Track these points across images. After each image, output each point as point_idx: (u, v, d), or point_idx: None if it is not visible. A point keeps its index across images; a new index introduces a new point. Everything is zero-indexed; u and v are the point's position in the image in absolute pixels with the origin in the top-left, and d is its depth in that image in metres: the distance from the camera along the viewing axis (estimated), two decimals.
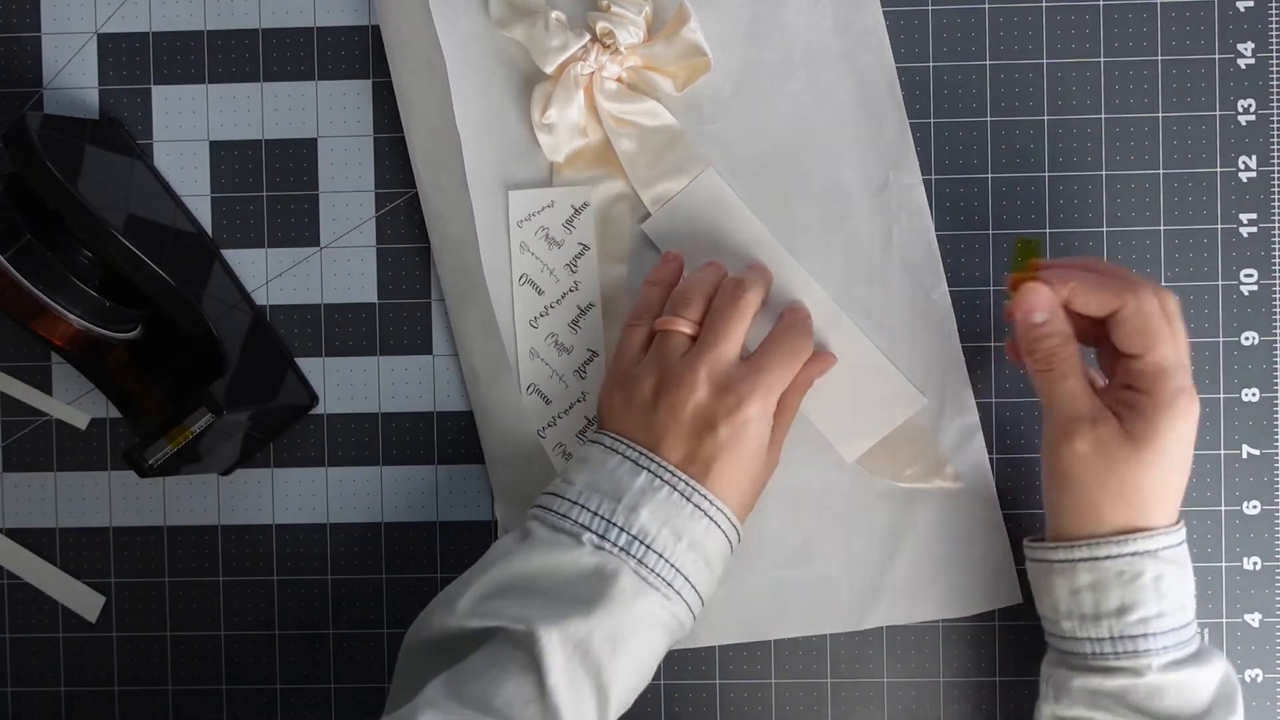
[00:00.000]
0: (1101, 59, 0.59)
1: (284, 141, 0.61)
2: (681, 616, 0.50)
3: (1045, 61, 0.59)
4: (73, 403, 0.61)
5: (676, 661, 0.60)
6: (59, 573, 0.61)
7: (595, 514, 0.50)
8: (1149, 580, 0.49)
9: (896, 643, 0.59)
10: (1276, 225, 0.59)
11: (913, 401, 0.58)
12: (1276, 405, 0.59)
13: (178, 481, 0.61)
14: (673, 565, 0.49)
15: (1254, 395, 0.59)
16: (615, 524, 0.49)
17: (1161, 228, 0.59)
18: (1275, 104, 0.59)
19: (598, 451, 0.52)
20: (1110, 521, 0.50)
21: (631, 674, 0.49)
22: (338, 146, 0.61)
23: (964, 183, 0.59)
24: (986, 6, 0.59)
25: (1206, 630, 0.59)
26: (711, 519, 0.51)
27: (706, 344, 0.52)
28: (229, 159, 0.61)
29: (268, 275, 0.61)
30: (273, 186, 0.61)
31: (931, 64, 0.59)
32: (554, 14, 0.57)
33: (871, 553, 0.59)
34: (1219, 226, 0.59)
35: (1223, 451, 0.59)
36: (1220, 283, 0.59)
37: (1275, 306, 0.59)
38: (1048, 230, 0.59)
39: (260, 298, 0.61)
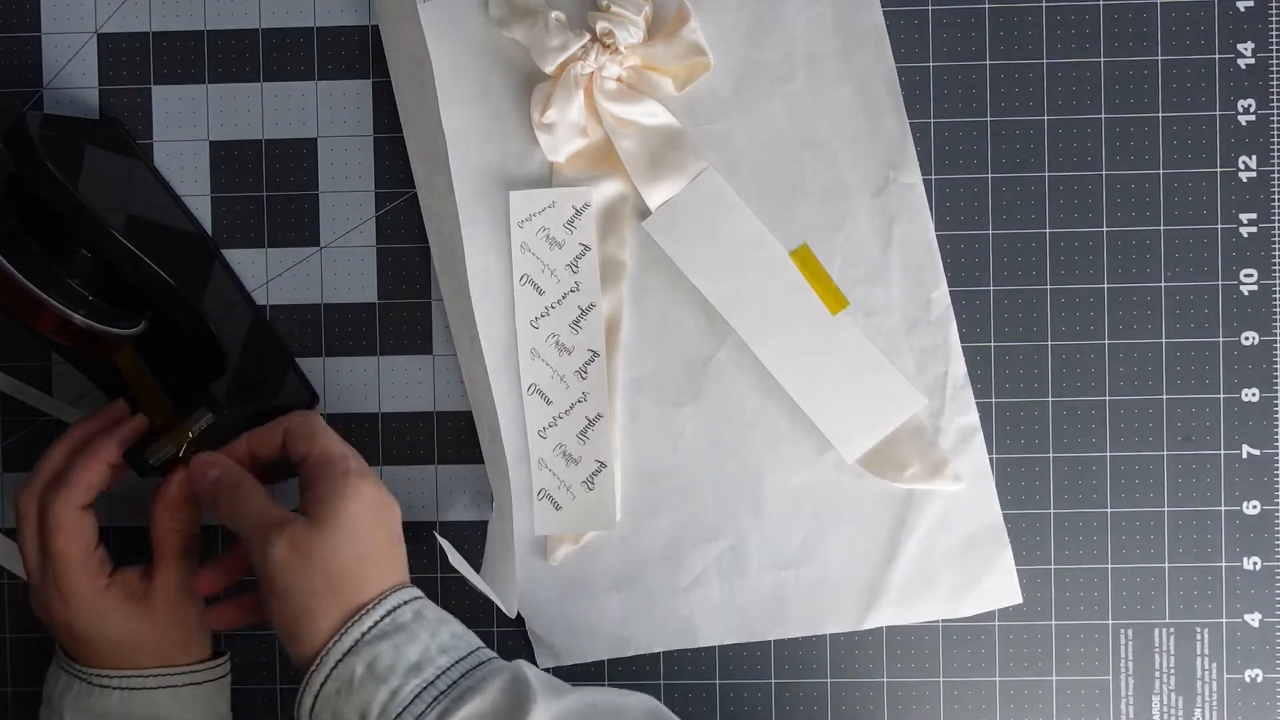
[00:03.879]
0: (1101, 59, 0.59)
1: (284, 141, 0.61)
2: None
3: (1045, 61, 0.59)
4: (73, 403, 0.61)
5: (676, 661, 0.60)
6: None
7: None
8: (363, 674, 0.46)
9: (896, 643, 0.59)
10: (1276, 225, 0.59)
11: (913, 401, 0.58)
12: (1276, 405, 0.59)
13: None
14: None
15: (1254, 395, 0.59)
16: None
17: (1161, 228, 0.59)
18: (1275, 104, 0.59)
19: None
20: (325, 627, 0.47)
21: None
22: (338, 146, 0.61)
23: (964, 183, 0.59)
24: (986, 6, 0.59)
25: (1206, 630, 0.59)
26: (91, 683, 0.53)
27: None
28: (229, 159, 0.61)
29: (268, 275, 0.61)
30: (273, 186, 0.61)
31: (931, 64, 0.59)
32: (554, 14, 0.57)
33: (871, 553, 0.59)
34: (1219, 226, 0.59)
35: (1223, 451, 0.59)
36: (1220, 283, 0.59)
37: (1275, 306, 0.59)
38: (1048, 230, 0.59)
39: (260, 298, 0.61)
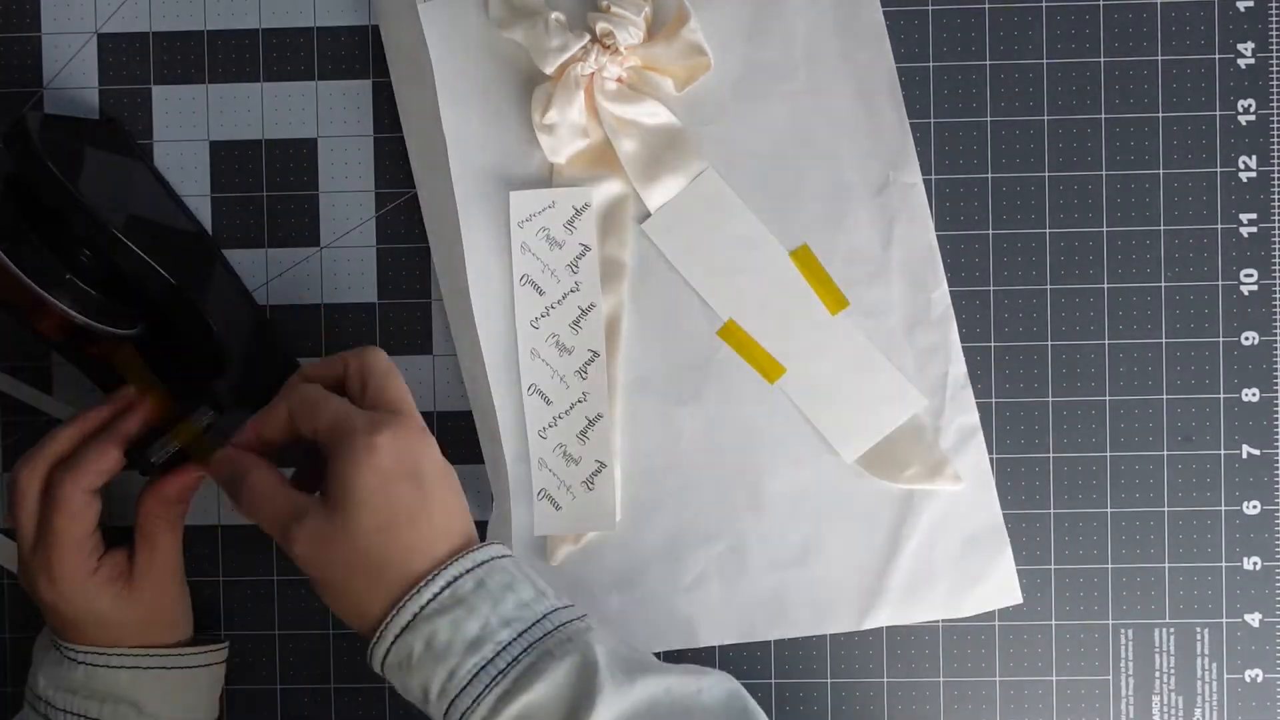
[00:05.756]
0: (1101, 59, 0.59)
1: (284, 141, 0.61)
2: None
3: (1045, 61, 0.59)
4: (73, 403, 0.61)
5: (677, 661, 0.60)
6: None
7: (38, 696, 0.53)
8: (421, 652, 0.44)
9: (896, 643, 0.59)
10: (1276, 225, 0.59)
11: (913, 402, 0.58)
12: (1276, 405, 0.59)
13: None
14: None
15: (1254, 395, 0.59)
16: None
17: (1161, 228, 0.59)
18: (1275, 104, 0.59)
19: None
20: (373, 611, 0.46)
21: None
22: (338, 146, 0.61)
23: (964, 183, 0.59)
24: (986, 6, 0.59)
25: (1206, 630, 0.59)
26: (62, 652, 0.53)
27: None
28: (229, 159, 0.61)
29: (268, 275, 0.61)
30: (273, 186, 0.61)
31: (931, 64, 0.59)
32: (554, 15, 0.57)
33: (871, 553, 0.59)
34: (1219, 226, 0.59)
35: (1223, 451, 0.59)
36: (1220, 283, 0.59)
37: (1275, 306, 0.59)
38: (1047, 230, 0.59)
39: (260, 298, 0.61)
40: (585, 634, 0.46)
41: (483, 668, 0.44)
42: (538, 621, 0.45)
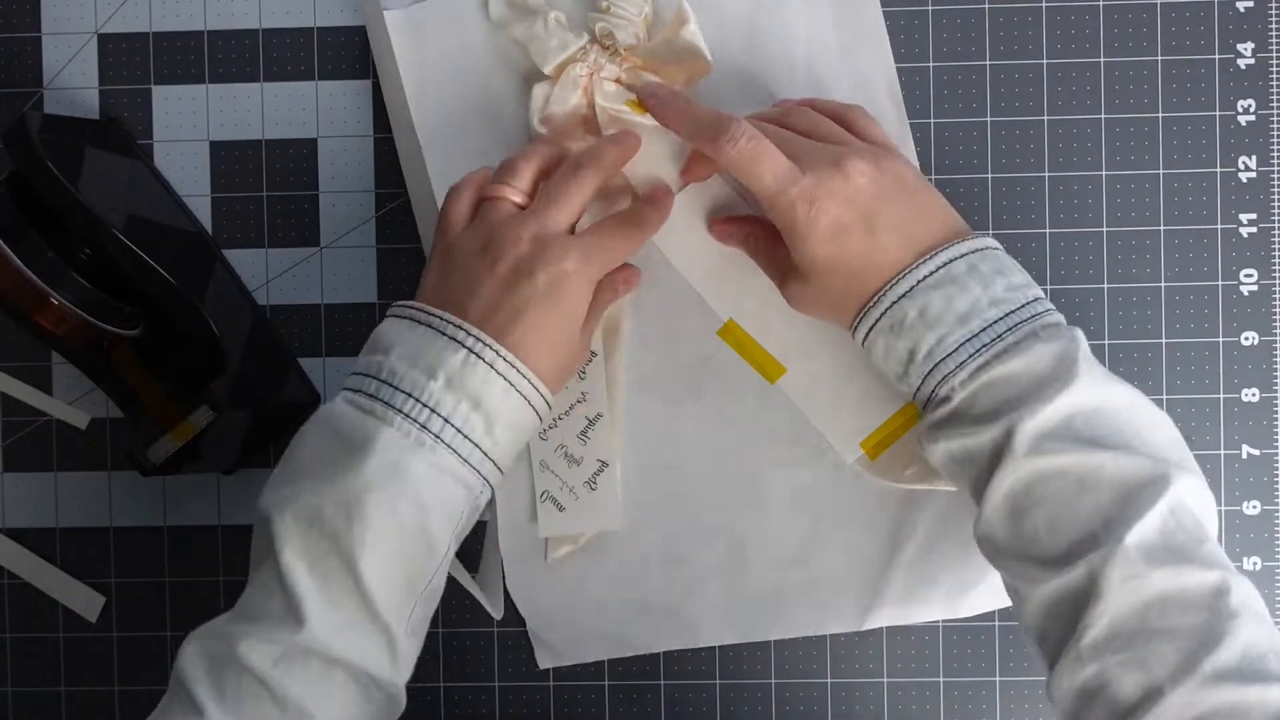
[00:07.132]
0: (1101, 59, 0.59)
1: (284, 141, 0.61)
2: (454, 469, 0.48)
3: (1045, 61, 0.59)
4: (73, 403, 0.61)
5: (676, 661, 0.60)
6: (59, 573, 0.61)
7: (376, 379, 0.49)
8: (914, 318, 0.49)
9: (896, 643, 0.59)
10: (1276, 225, 0.59)
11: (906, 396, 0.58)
12: (1276, 405, 0.59)
13: (178, 481, 0.61)
14: (443, 418, 0.48)
15: (1254, 395, 0.59)
16: (391, 385, 0.48)
17: (1161, 228, 0.59)
18: (1275, 104, 0.59)
19: (400, 325, 0.50)
20: (864, 292, 0.50)
21: (386, 545, 0.46)
22: (338, 146, 0.61)
23: (964, 183, 0.59)
24: (986, 6, 0.59)
25: None
26: (511, 383, 0.49)
27: (537, 210, 0.51)
28: (229, 159, 0.61)
29: (268, 275, 0.61)
30: (273, 186, 0.61)
31: (931, 64, 0.59)
32: (553, 14, 0.57)
33: (871, 553, 0.59)
34: (1219, 226, 0.59)
35: (1223, 451, 0.59)
36: (1220, 283, 0.59)
37: (1275, 306, 0.59)
38: (1048, 230, 0.59)
39: (260, 298, 0.61)
40: (1069, 329, 0.49)
41: (970, 339, 0.48)
42: (1027, 304, 0.49)
